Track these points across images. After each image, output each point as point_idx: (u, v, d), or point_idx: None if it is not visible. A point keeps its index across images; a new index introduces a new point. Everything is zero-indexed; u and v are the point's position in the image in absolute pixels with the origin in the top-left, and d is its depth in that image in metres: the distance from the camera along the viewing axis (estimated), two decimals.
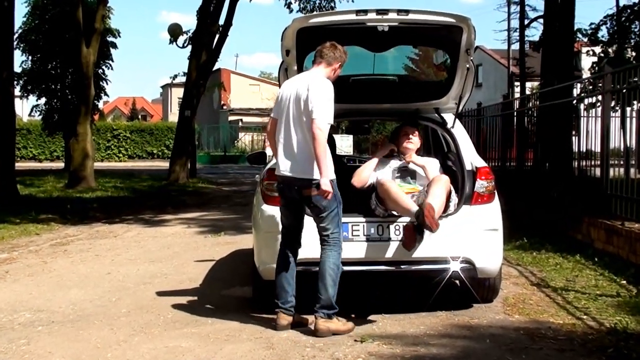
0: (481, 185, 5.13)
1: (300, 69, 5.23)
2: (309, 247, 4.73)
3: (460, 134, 5.57)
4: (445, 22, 4.88)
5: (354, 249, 4.86)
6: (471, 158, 5.30)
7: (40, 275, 6.73)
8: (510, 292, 5.74)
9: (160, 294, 5.90)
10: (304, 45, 5.06)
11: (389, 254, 4.91)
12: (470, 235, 4.97)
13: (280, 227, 4.84)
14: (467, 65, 5.18)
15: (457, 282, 5.54)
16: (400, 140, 5.46)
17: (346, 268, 4.90)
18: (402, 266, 4.97)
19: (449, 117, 5.67)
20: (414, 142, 5.43)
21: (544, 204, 9.17)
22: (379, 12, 4.74)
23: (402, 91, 5.86)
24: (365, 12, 4.75)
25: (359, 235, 4.90)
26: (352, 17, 4.80)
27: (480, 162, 5.28)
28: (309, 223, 4.73)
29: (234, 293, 5.93)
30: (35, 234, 9.57)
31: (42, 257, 7.77)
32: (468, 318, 4.97)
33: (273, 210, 5.03)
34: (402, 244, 4.74)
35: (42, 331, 4.76)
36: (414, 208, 4.73)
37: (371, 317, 4.95)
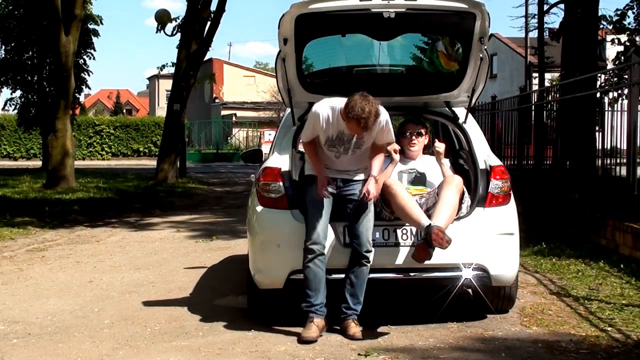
0: (496, 185, 5.13)
1: (299, 59, 5.24)
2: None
3: (473, 129, 5.57)
4: (456, 8, 4.88)
5: None
6: (485, 156, 5.31)
7: (16, 284, 6.74)
8: (527, 302, 5.75)
9: (147, 304, 5.91)
10: (303, 34, 5.06)
11: (396, 260, 4.92)
12: (483, 240, 4.97)
13: (279, 230, 4.97)
14: (481, 55, 5.17)
15: (470, 290, 5.55)
16: (402, 142, 5.43)
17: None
18: (411, 274, 4.99)
19: (460, 112, 5.67)
20: (418, 143, 5.42)
21: (565, 205, 9.17)
22: None
23: (409, 83, 5.86)
24: None
25: None
26: (356, 2, 4.80)
27: (494, 161, 5.29)
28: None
29: (227, 303, 5.94)
30: (10, 239, 9.58)
31: (18, 264, 7.78)
32: (482, 330, 4.98)
33: (269, 213, 5.04)
34: (413, 257, 4.77)
35: (17, 344, 4.77)
36: (424, 221, 4.72)
37: (376, 329, 4.96)
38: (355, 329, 4.81)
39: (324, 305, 4.85)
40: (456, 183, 4.94)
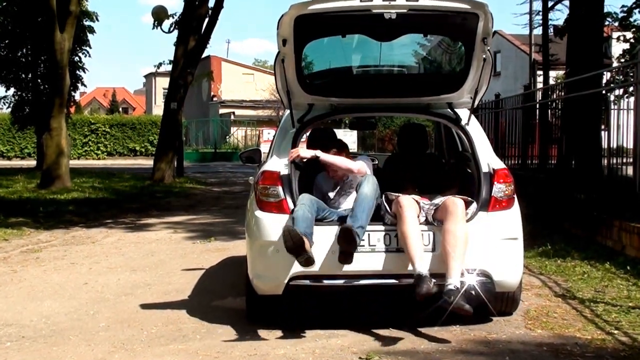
0: (499, 189, 5.11)
1: (298, 61, 5.22)
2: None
3: (476, 131, 5.54)
4: (459, 8, 4.86)
5: (358, 260, 4.83)
6: (488, 159, 5.28)
7: (9, 286, 6.74)
8: (532, 304, 5.75)
9: (144, 306, 5.90)
10: (303, 35, 5.05)
11: (397, 266, 4.90)
12: (487, 246, 4.94)
13: (278, 235, 4.92)
14: (484, 56, 5.15)
15: (473, 292, 5.54)
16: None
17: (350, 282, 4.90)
18: (411, 279, 4.96)
19: (463, 113, 5.64)
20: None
21: (570, 206, 9.17)
22: None
23: (411, 84, 5.85)
24: None
25: (363, 246, 4.87)
26: (356, 3, 4.78)
27: (498, 164, 5.26)
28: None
29: (225, 305, 5.94)
30: (4, 240, 9.57)
31: (12, 266, 7.78)
32: (485, 333, 4.98)
33: (268, 218, 5.01)
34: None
35: (10, 347, 4.76)
36: (419, 267, 4.71)
37: (378, 332, 4.95)
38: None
39: (308, 233, 4.74)
40: (459, 210, 4.89)
